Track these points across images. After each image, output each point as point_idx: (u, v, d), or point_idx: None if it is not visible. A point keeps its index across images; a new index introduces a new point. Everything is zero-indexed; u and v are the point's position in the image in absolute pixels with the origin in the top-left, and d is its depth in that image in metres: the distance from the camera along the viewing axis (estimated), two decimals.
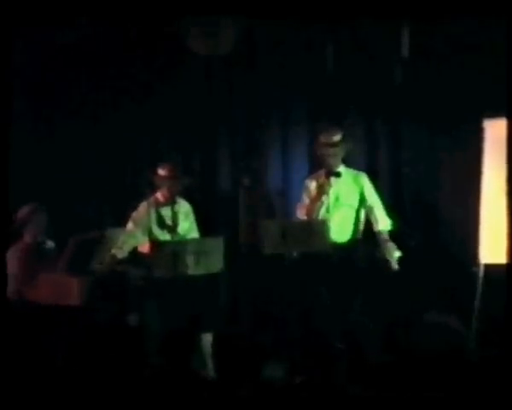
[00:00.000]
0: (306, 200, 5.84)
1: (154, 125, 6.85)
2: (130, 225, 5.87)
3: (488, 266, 5.80)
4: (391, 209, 5.96)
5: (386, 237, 5.76)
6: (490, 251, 5.82)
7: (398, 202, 6.53)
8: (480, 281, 5.80)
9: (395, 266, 5.64)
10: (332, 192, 5.75)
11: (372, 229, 5.84)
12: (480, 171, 5.92)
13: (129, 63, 6.80)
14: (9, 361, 4.74)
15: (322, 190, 5.71)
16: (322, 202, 5.73)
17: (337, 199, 5.79)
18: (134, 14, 6.40)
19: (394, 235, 5.80)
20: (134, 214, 5.90)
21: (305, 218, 5.78)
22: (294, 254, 5.68)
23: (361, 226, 5.87)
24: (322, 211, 5.76)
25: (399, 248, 5.68)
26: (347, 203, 5.80)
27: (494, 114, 5.86)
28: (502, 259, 5.60)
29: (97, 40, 6.61)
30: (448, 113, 6.30)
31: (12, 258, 5.61)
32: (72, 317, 5.53)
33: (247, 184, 5.94)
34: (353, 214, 5.83)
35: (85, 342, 5.57)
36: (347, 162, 5.96)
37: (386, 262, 5.65)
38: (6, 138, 4.81)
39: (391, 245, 5.69)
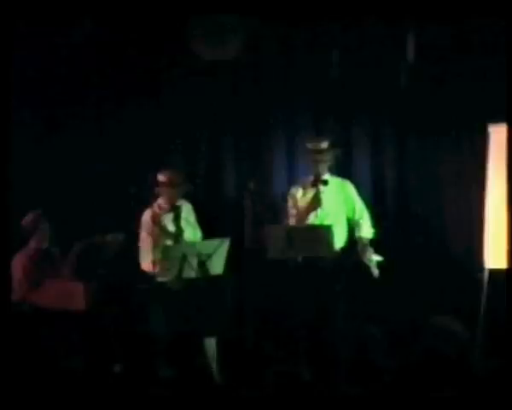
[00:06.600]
0: (292, 208, 5.86)
1: (157, 130, 6.82)
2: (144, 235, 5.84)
3: (493, 272, 5.79)
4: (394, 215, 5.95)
5: (365, 242, 5.76)
6: (494, 257, 5.80)
7: (403, 207, 6.57)
8: (485, 286, 5.79)
9: (375, 271, 5.64)
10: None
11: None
12: (484, 176, 5.91)
13: (132, 67, 6.77)
14: (15, 365, 4.77)
15: (316, 199, 5.72)
16: (316, 211, 5.74)
17: (323, 207, 5.79)
18: (138, 17, 6.43)
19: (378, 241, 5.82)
20: (143, 223, 5.87)
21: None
22: (299, 258, 5.69)
23: (346, 233, 5.87)
24: (311, 219, 5.76)
25: (383, 253, 5.68)
26: (333, 211, 5.78)
27: (499, 120, 5.85)
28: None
29: (99, 43, 6.61)
30: (453, 118, 6.29)
31: (17, 264, 5.66)
32: (77, 322, 5.56)
33: (252, 188, 5.92)
34: (339, 222, 5.79)
35: (90, 347, 5.61)
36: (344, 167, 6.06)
37: (368, 267, 5.66)
38: (8, 145, 4.81)
39: (369, 250, 5.69)
